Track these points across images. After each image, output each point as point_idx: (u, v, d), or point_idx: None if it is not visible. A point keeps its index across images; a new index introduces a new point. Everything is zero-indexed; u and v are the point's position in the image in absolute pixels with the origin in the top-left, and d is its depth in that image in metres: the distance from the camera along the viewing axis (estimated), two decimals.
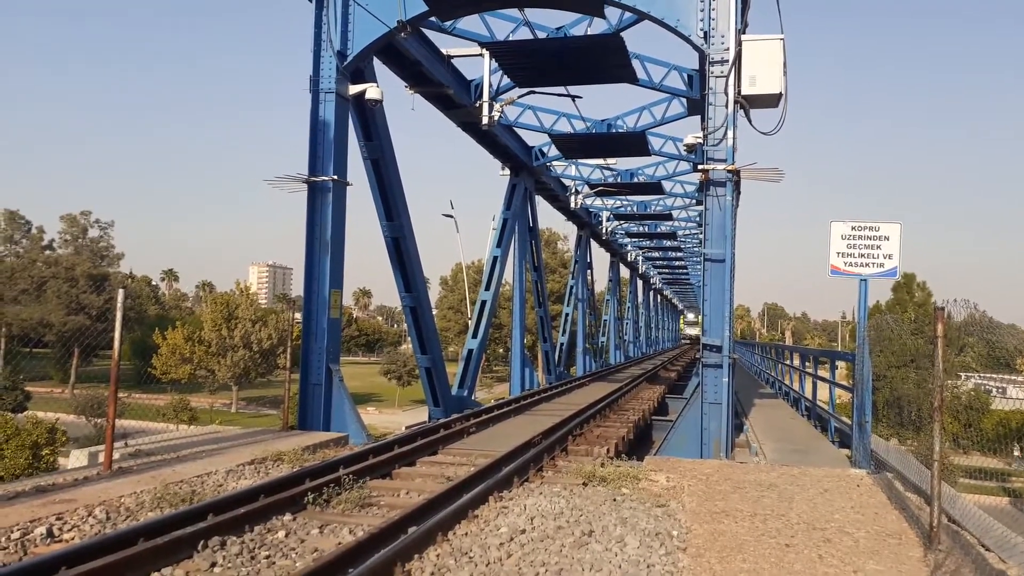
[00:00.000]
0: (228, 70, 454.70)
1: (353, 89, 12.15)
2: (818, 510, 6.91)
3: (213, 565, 5.12)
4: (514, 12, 13.05)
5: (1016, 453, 32.38)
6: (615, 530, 6.03)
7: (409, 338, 15.86)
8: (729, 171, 10.29)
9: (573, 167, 23.36)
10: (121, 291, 8.20)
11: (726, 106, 10.31)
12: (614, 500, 7.10)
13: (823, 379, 15.43)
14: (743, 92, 10.26)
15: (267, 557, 5.33)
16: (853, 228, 9.60)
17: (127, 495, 6.68)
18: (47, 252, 69.24)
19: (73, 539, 5.53)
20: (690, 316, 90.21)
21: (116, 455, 8.13)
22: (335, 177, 11.61)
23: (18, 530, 5.55)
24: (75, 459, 8.73)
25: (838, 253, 9.59)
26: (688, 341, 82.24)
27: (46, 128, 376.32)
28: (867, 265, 9.54)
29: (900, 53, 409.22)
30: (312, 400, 11.47)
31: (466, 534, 5.92)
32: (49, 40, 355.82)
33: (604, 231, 31.13)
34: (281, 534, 5.87)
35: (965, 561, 5.37)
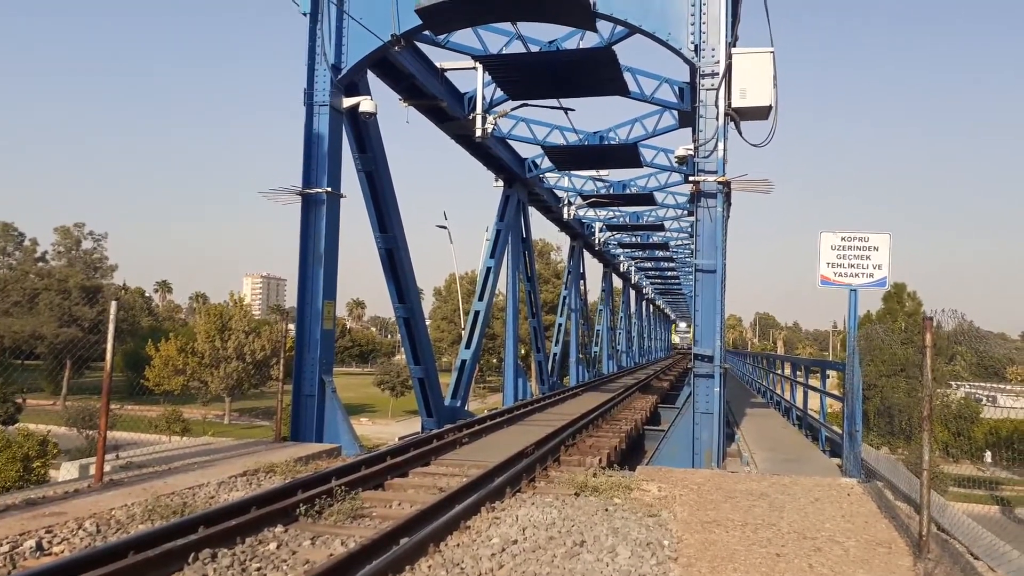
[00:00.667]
0: (227, 74, 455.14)
1: (347, 102, 12.21)
2: (809, 519, 6.95)
3: None
4: (507, 26, 13.15)
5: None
6: (607, 540, 6.05)
7: (402, 349, 15.87)
8: (720, 183, 10.38)
9: (566, 179, 23.48)
10: (114, 303, 8.21)
11: (717, 118, 10.41)
12: (606, 510, 7.11)
13: (814, 388, 15.49)
14: (733, 104, 10.35)
15: (258, 569, 5.33)
16: (843, 239, 9.67)
17: (118, 507, 6.67)
18: (40, 264, 69.01)
19: (63, 552, 5.52)
20: (682, 325, 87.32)
21: (107, 467, 8.11)
22: (329, 189, 11.66)
23: (7, 543, 5.53)
24: (66, 471, 8.72)
25: (828, 264, 9.66)
26: (679, 351, 79.10)
27: (43, 130, 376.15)
28: (857, 276, 9.61)
29: (891, 55, 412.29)
30: (305, 411, 11.47)
31: (458, 545, 5.93)
32: (45, 42, 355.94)
33: (597, 242, 31.24)
34: (272, 546, 5.87)
35: (954, 570, 5.41)
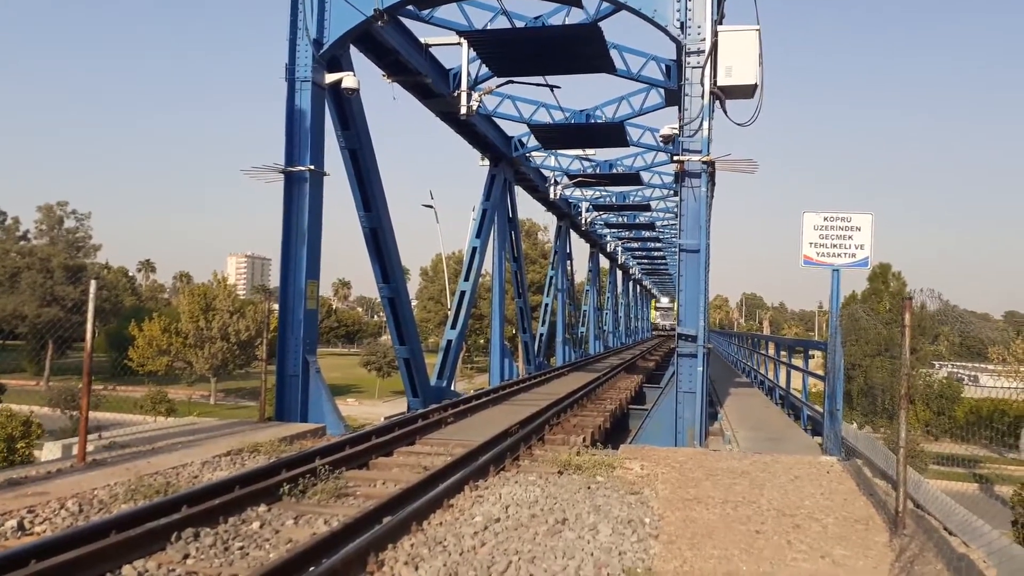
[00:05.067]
0: (209, 56, 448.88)
1: (329, 78, 12.06)
2: (788, 497, 7.03)
3: (186, 557, 5.11)
4: (492, 1, 13.01)
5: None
6: (588, 518, 6.10)
7: (388, 329, 15.85)
8: (704, 162, 10.37)
9: (552, 158, 23.38)
10: (93, 282, 8.10)
11: (702, 97, 10.37)
12: (588, 488, 7.17)
13: (796, 368, 15.62)
14: (719, 83, 10.32)
15: (241, 548, 5.33)
16: (825, 219, 9.71)
17: (100, 487, 6.65)
18: (22, 243, 68.16)
19: (45, 532, 5.50)
20: (663, 301, 75.17)
21: (90, 447, 8.07)
22: (312, 167, 11.54)
23: None
24: (48, 451, 8.66)
25: (811, 243, 9.70)
26: (660, 332, 71.11)
27: (24, 116, 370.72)
28: (839, 255, 9.66)
29: (878, 40, 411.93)
30: (289, 391, 11.44)
31: (441, 523, 5.96)
32: (33, 26, 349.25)
33: (583, 222, 31.20)
34: (256, 525, 5.87)
35: (928, 545, 5.49)
